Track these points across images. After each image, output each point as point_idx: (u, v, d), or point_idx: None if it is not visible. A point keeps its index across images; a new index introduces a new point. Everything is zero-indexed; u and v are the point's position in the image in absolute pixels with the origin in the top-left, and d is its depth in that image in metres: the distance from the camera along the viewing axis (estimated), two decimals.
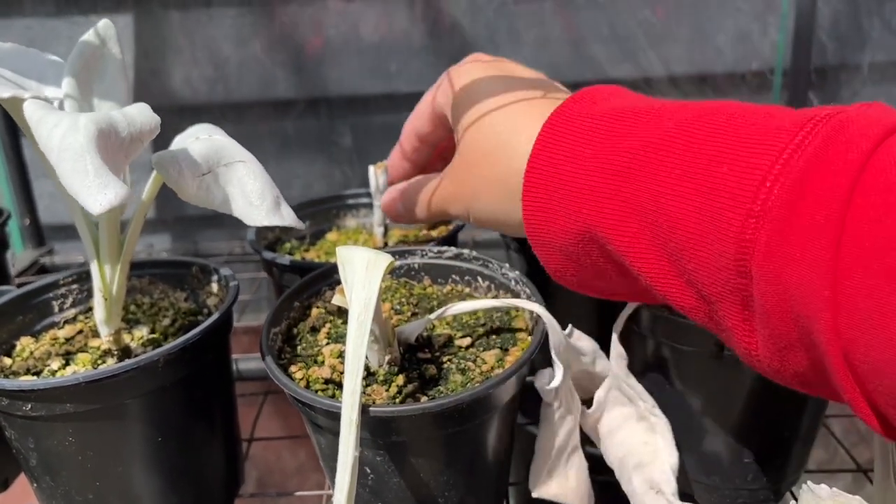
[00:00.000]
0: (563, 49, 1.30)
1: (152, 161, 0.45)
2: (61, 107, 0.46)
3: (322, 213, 0.83)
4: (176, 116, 1.30)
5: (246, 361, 0.85)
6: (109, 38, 0.50)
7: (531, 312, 0.54)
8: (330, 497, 0.62)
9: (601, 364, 0.57)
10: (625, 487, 0.54)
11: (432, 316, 0.52)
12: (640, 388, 0.53)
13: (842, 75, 1.34)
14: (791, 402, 0.52)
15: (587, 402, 0.56)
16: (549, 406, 0.53)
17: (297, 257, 0.74)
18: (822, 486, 0.41)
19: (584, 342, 0.56)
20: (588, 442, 0.58)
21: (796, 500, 0.61)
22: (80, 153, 0.37)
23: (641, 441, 0.52)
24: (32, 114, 0.40)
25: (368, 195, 0.84)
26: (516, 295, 0.56)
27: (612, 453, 0.55)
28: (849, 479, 1.19)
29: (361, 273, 0.44)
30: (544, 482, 0.55)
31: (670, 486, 0.50)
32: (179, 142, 0.50)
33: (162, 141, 0.48)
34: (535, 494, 0.56)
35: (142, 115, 0.43)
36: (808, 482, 0.42)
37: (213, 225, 1.38)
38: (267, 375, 0.86)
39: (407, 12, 1.28)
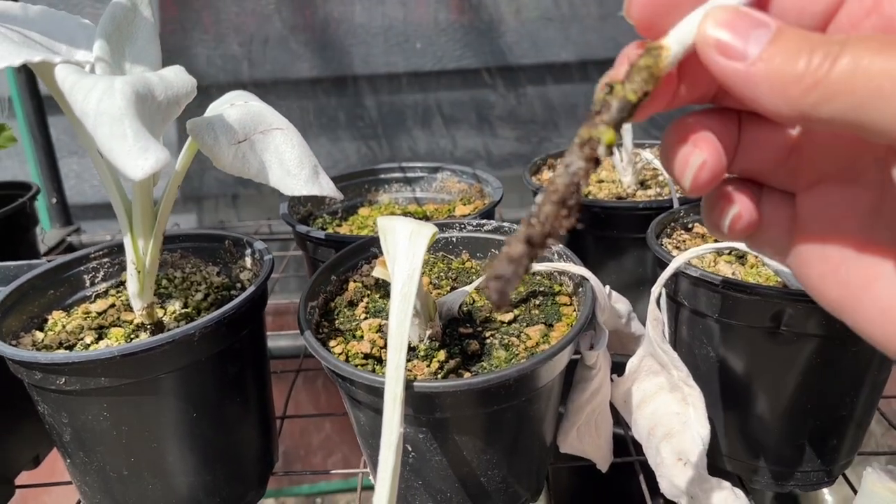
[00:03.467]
0: (592, 25, 1.27)
1: (187, 127, 0.44)
2: (92, 71, 0.45)
3: (354, 187, 0.81)
4: (202, 94, 1.29)
5: (276, 339, 0.85)
6: (141, 1, 0.48)
7: (575, 287, 0.52)
8: (365, 476, 0.61)
9: (635, 325, 0.57)
10: (651, 460, 0.53)
11: (474, 283, 0.50)
12: (674, 354, 0.51)
13: None
14: (848, 381, 0.50)
15: (616, 370, 0.55)
16: (590, 370, 0.52)
17: (330, 231, 0.72)
18: (891, 467, 0.39)
19: (620, 304, 0.55)
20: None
21: (849, 482, 0.59)
22: (118, 117, 0.36)
23: (673, 411, 0.51)
24: (65, 79, 0.39)
25: (401, 170, 0.82)
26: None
27: (641, 425, 0.54)
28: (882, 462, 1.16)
29: (404, 244, 0.42)
30: (574, 440, 0.55)
31: (699, 457, 0.49)
32: (214, 108, 0.49)
33: (188, 119, 0.46)
34: (563, 450, 0.56)
35: (178, 78, 0.41)
36: (874, 464, 0.40)
37: (238, 204, 1.38)
38: (297, 353, 0.86)
39: None
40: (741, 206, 0.30)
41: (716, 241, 0.55)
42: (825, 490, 1.21)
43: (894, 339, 0.27)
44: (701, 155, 0.28)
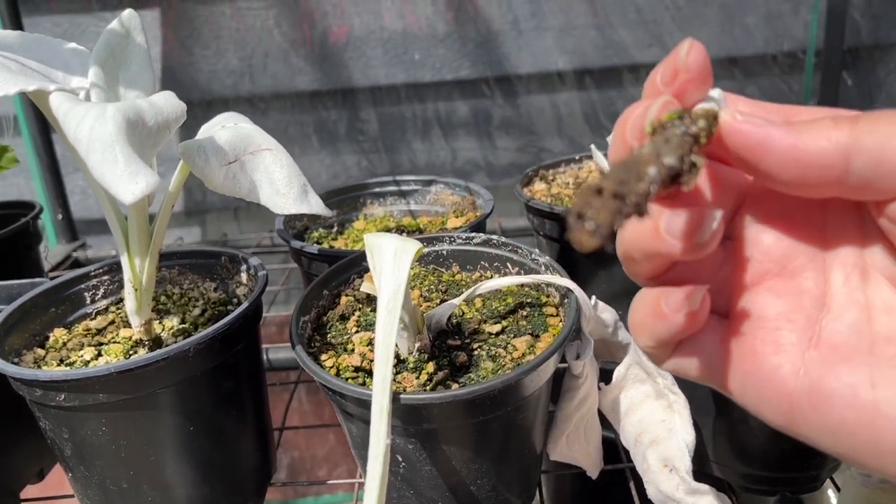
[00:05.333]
0: (589, 34, 1.29)
1: (178, 150, 0.45)
2: (87, 97, 0.46)
3: (349, 201, 0.83)
4: (203, 109, 1.31)
5: (276, 351, 0.86)
6: (134, 28, 0.50)
7: (561, 298, 0.53)
8: (362, 485, 0.62)
9: (622, 334, 0.58)
10: (639, 467, 0.54)
11: (462, 296, 0.51)
12: None
13: (876, 54, 1.31)
14: None
15: (604, 378, 0.56)
16: (577, 379, 0.53)
17: (325, 246, 0.74)
18: (869, 474, 0.40)
19: (606, 314, 0.56)
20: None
21: (837, 487, 0.60)
22: (109, 144, 0.37)
23: (659, 419, 0.52)
24: (59, 106, 0.40)
25: (395, 183, 0.83)
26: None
27: (629, 432, 0.55)
28: None
29: (390, 260, 0.44)
30: (564, 447, 0.56)
31: (684, 463, 0.50)
32: (205, 130, 0.50)
33: (190, 134, 0.48)
34: (553, 457, 0.57)
35: (168, 104, 0.42)
36: (853, 469, 0.41)
37: (240, 217, 1.39)
38: (297, 364, 0.87)
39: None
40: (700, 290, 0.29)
41: None
42: (831, 493, 1.21)
43: (869, 424, 0.25)
44: (718, 210, 0.28)
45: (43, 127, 1.22)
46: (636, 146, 0.26)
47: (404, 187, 0.83)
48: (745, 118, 0.27)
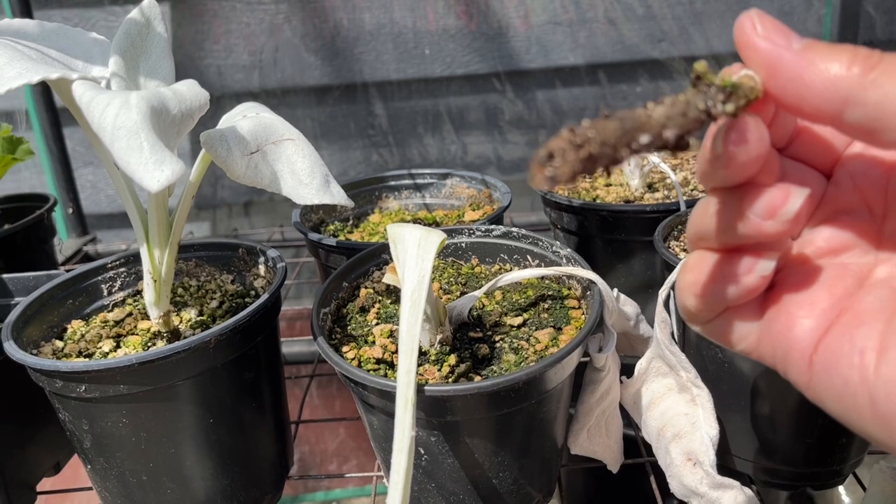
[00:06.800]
0: (600, 29, 1.28)
1: (201, 140, 0.45)
2: (108, 86, 0.46)
3: (364, 194, 0.82)
4: (213, 104, 1.30)
5: (289, 345, 0.85)
6: (154, 17, 0.49)
7: (583, 291, 0.53)
8: (379, 479, 0.61)
9: (643, 327, 0.58)
10: (661, 461, 0.53)
11: (483, 288, 0.51)
12: (682, 355, 0.51)
13: (891, 49, 1.30)
14: None
15: (626, 372, 0.56)
16: (599, 372, 0.52)
17: (342, 238, 0.73)
18: None
19: (628, 307, 0.56)
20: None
21: (860, 481, 0.59)
22: (134, 131, 0.37)
23: (682, 412, 0.51)
24: (83, 95, 0.40)
25: (410, 176, 0.83)
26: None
27: (651, 426, 0.54)
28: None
29: (413, 251, 0.43)
30: (585, 441, 0.55)
31: (708, 457, 0.49)
32: (227, 120, 0.50)
33: (200, 128, 0.47)
34: (574, 451, 0.57)
35: (191, 92, 0.42)
36: (881, 462, 0.40)
37: (251, 212, 1.39)
38: (311, 359, 0.86)
39: None
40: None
41: None
42: (842, 490, 1.21)
43: (870, 385, 0.26)
44: (804, 189, 0.28)
45: (54, 120, 1.22)
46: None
47: (419, 181, 0.83)
48: (764, 34, 0.27)
